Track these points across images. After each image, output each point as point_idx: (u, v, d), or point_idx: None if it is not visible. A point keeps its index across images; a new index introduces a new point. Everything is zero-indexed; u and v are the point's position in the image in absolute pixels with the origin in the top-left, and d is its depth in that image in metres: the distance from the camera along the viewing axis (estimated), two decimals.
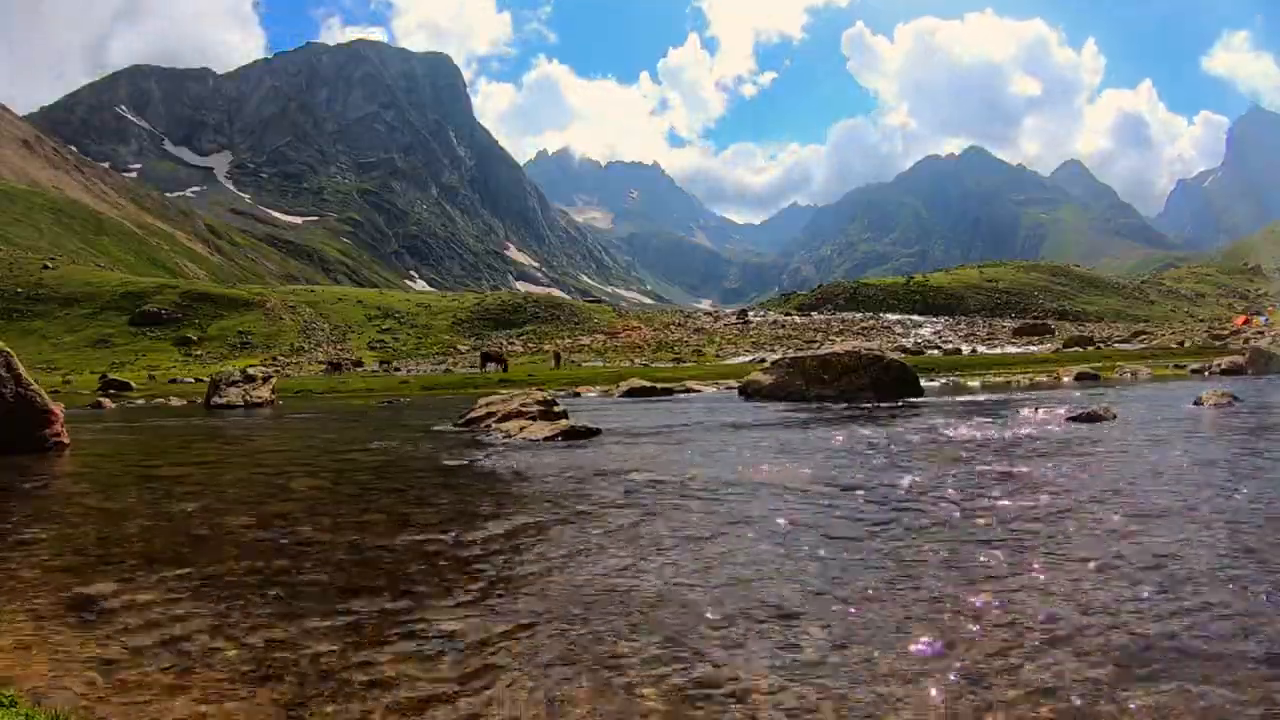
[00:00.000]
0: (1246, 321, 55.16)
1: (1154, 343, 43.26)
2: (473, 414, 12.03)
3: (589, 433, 9.88)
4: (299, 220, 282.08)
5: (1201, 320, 71.02)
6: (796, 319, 69.58)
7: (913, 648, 2.89)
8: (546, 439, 9.65)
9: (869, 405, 14.04)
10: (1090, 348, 41.50)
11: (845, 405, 14.24)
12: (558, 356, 43.70)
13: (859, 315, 73.82)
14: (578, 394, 21.49)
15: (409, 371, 42.39)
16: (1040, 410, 11.76)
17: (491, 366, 37.04)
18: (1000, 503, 5.27)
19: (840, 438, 9.22)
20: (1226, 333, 45.60)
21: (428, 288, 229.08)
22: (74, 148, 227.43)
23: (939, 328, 62.12)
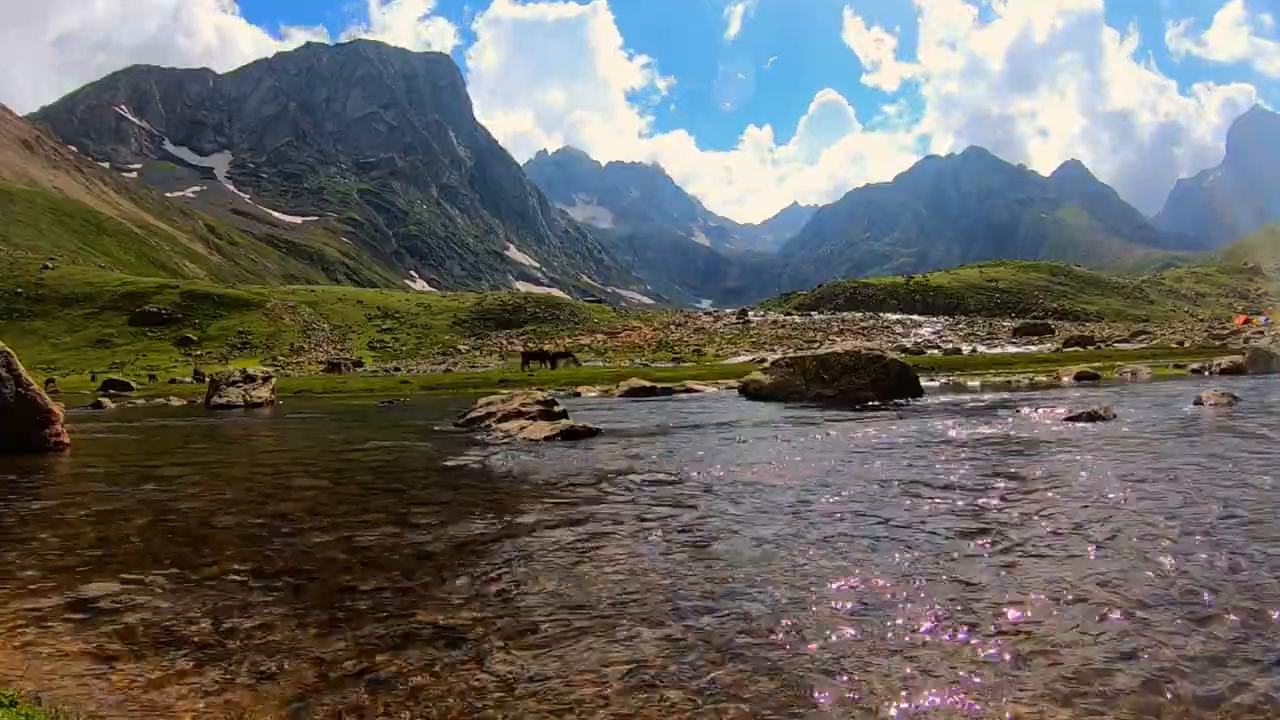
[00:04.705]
0: (1246, 321, 55.21)
1: (1154, 342, 43.27)
2: (473, 414, 12.03)
3: (589, 433, 9.89)
4: (299, 220, 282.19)
5: (1202, 320, 71.02)
6: (796, 319, 69.57)
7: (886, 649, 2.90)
8: (546, 439, 9.65)
9: (869, 405, 14.04)
10: (1090, 347, 41.52)
11: (845, 405, 14.23)
12: (566, 354, 43.59)
13: (859, 315, 73.84)
14: (578, 394, 21.49)
15: (409, 371, 42.39)
16: (1040, 410, 11.76)
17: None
18: (997, 503, 5.27)
19: (839, 437, 9.22)
20: (1226, 332, 45.62)
21: (428, 288, 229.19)
22: (74, 148, 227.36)
23: (939, 328, 62.11)
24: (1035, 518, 4.79)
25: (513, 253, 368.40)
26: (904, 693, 2.56)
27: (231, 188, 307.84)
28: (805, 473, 6.73)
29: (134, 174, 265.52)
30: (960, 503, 5.28)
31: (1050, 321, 65.77)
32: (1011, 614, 3.19)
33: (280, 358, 56.12)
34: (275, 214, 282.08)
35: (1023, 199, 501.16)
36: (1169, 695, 2.49)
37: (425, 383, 29.86)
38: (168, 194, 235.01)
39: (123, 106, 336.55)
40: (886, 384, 15.80)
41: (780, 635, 3.05)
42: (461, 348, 61.19)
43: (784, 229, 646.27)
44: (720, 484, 6.29)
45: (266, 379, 21.45)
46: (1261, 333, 40.10)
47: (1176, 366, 24.58)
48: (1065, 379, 20.85)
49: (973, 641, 2.94)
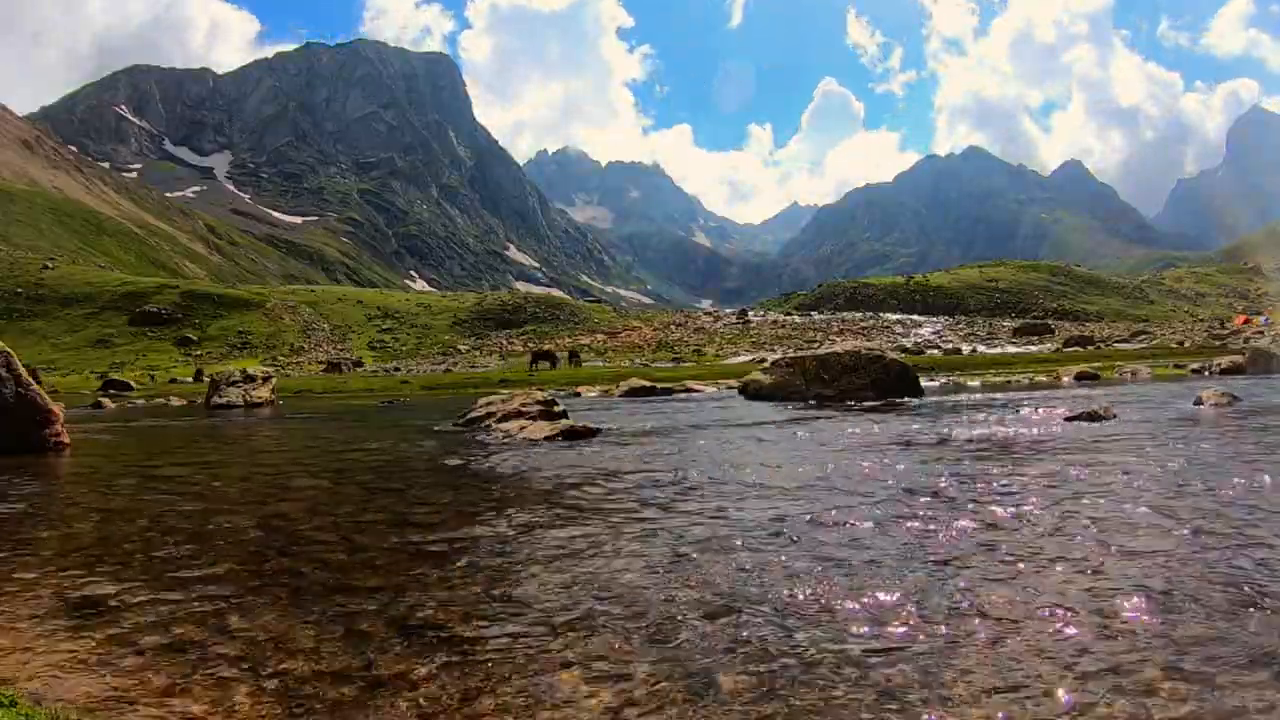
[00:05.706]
0: (1246, 321, 55.17)
1: (1154, 342, 43.30)
2: (473, 414, 12.04)
3: (589, 432, 9.88)
4: (299, 220, 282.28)
5: (1201, 320, 70.96)
6: (796, 319, 69.58)
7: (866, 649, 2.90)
8: (546, 438, 9.65)
9: (869, 405, 14.04)
10: (1090, 347, 41.54)
11: (845, 405, 14.24)
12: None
13: (859, 315, 73.84)
14: (578, 394, 21.49)
15: (409, 371, 42.39)
16: (1040, 409, 11.76)
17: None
18: (997, 503, 5.26)
19: (839, 438, 9.22)
20: (1226, 333, 45.63)
21: (428, 288, 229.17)
22: (74, 148, 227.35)
23: (939, 328, 62.11)
24: (1035, 519, 4.79)
25: (513, 253, 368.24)
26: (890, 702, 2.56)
27: (231, 188, 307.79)
28: (805, 473, 6.72)
29: (134, 174, 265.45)
30: (959, 504, 5.27)
31: (1050, 321, 65.78)
32: (1001, 618, 3.19)
33: (280, 358, 56.11)
34: (275, 214, 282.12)
35: (1023, 199, 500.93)
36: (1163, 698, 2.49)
37: (425, 383, 29.88)
38: (168, 194, 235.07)
39: (123, 106, 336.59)
40: (886, 384, 15.81)
41: (773, 640, 3.05)
42: (461, 348, 61.19)
43: (784, 229, 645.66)
44: (720, 484, 6.29)
45: (266, 379, 21.46)
46: (1261, 333, 40.10)
47: (1176, 366, 24.59)
48: (1065, 379, 20.86)
49: (960, 650, 2.93)
